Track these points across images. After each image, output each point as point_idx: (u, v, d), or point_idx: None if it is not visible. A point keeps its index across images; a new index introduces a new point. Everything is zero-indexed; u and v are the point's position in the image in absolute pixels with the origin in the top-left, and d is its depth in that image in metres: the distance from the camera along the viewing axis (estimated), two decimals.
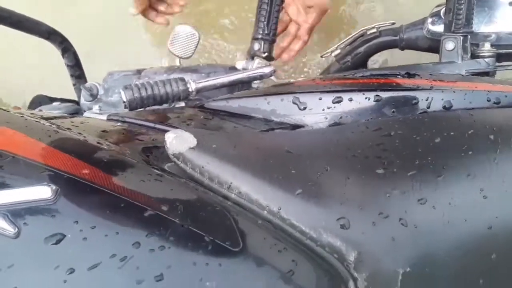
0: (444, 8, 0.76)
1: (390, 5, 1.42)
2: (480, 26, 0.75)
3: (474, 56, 0.69)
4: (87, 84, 0.71)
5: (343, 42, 0.88)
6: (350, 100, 0.51)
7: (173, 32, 0.74)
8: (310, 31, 0.95)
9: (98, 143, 0.38)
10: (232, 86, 0.69)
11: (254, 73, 0.69)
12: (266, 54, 0.79)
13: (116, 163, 0.35)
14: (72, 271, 0.27)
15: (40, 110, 0.66)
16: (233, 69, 0.75)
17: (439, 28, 0.80)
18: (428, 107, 0.50)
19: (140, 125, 0.49)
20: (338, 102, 0.52)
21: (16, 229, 0.28)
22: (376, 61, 1.23)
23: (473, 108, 0.49)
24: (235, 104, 0.55)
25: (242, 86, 0.73)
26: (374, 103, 0.51)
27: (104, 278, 0.28)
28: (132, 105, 0.56)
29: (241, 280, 0.31)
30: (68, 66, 0.73)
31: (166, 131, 0.47)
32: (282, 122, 0.53)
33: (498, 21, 0.77)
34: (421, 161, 0.43)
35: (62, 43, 0.71)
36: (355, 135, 0.47)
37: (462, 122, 0.47)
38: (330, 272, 0.36)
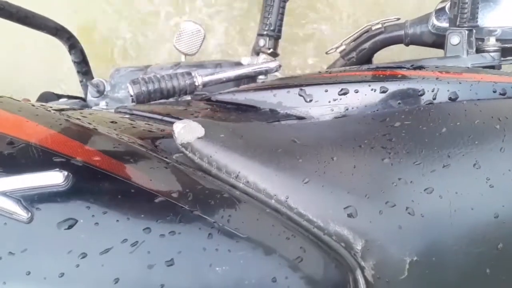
0: (449, 3, 0.76)
1: None
2: (485, 20, 0.75)
3: (479, 50, 0.69)
4: (94, 80, 0.72)
5: (348, 38, 0.88)
6: (356, 91, 0.51)
7: (179, 29, 0.74)
8: None
9: (108, 132, 0.38)
10: (238, 81, 0.69)
11: (259, 68, 0.69)
12: (271, 50, 0.79)
13: (126, 151, 0.35)
14: (84, 255, 0.28)
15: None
16: (238, 64, 0.76)
17: (444, 23, 0.80)
18: (434, 98, 0.50)
19: (147, 117, 0.49)
20: (344, 94, 0.52)
21: (29, 214, 0.28)
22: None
23: (479, 99, 0.49)
24: (241, 97, 0.56)
25: (247, 81, 0.73)
26: (380, 94, 0.51)
27: (116, 263, 0.28)
28: (139, 99, 0.56)
29: (250, 265, 0.31)
30: (75, 62, 0.73)
31: (173, 122, 0.48)
32: (288, 114, 0.53)
33: (503, 16, 0.76)
34: (427, 151, 0.43)
35: (69, 40, 0.71)
36: (361, 126, 0.47)
37: (468, 112, 0.47)
38: (338, 260, 0.36)
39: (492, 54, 0.69)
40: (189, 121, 0.41)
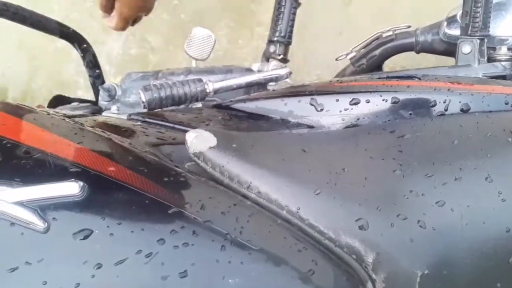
0: (460, 12, 0.75)
1: None
2: (497, 29, 0.75)
3: (490, 59, 0.69)
4: (105, 85, 0.72)
5: (358, 45, 0.88)
6: (367, 102, 0.52)
7: (190, 34, 0.75)
8: None
9: (121, 141, 0.39)
10: (248, 88, 0.70)
11: (270, 75, 0.69)
12: (281, 56, 0.79)
13: (140, 162, 0.36)
14: (99, 266, 0.28)
15: (61, 110, 0.67)
16: (249, 70, 0.76)
17: (456, 31, 0.79)
18: (446, 110, 0.50)
19: (160, 125, 0.49)
20: (355, 103, 0.52)
21: (46, 224, 0.29)
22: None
23: (491, 111, 0.49)
24: (252, 105, 0.56)
25: (258, 87, 0.74)
26: (391, 105, 0.51)
27: (131, 274, 0.29)
28: (151, 106, 0.57)
29: (263, 278, 0.31)
30: (87, 66, 0.74)
31: (185, 131, 0.48)
32: (299, 123, 0.53)
33: None
34: (439, 163, 0.43)
35: (81, 44, 0.72)
36: (372, 136, 0.48)
37: (480, 125, 0.47)
38: (349, 272, 0.36)
39: (503, 63, 0.69)
40: (202, 130, 0.42)
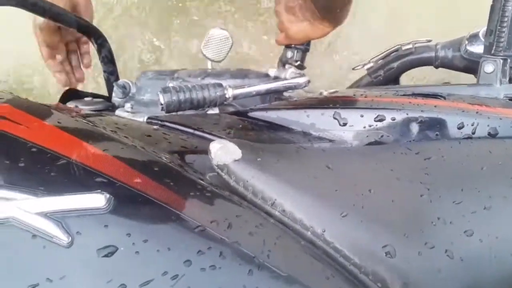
0: (483, 29, 0.74)
1: None
2: None
3: None
4: (120, 81, 0.71)
5: (376, 56, 0.87)
6: (393, 119, 0.50)
7: (207, 35, 0.73)
8: None
9: (144, 148, 0.37)
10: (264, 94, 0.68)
11: (289, 83, 0.68)
12: (298, 62, 0.78)
13: (165, 173, 0.34)
14: (124, 286, 0.27)
15: (76, 106, 0.65)
16: (266, 76, 0.75)
17: (477, 48, 0.78)
18: (473, 133, 0.49)
19: (180, 130, 0.48)
20: (380, 120, 0.51)
21: (70, 239, 0.27)
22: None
23: None
24: (273, 115, 0.54)
25: (274, 93, 0.72)
26: (417, 124, 0.50)
27: None
28: (169, 108, 0.55)
29: None
30: (102, 62, 0.72)
31: (206, 138, 0.47)
32: (321, 136, 0.52)
33: None
34: (467, 189, 0.42)
35: (98, 39, 0.70)
36: (397, 156, 0.46)
37: (510, 151, 0.46)
38: None
39: None
40: (226, 141, 0.40)
